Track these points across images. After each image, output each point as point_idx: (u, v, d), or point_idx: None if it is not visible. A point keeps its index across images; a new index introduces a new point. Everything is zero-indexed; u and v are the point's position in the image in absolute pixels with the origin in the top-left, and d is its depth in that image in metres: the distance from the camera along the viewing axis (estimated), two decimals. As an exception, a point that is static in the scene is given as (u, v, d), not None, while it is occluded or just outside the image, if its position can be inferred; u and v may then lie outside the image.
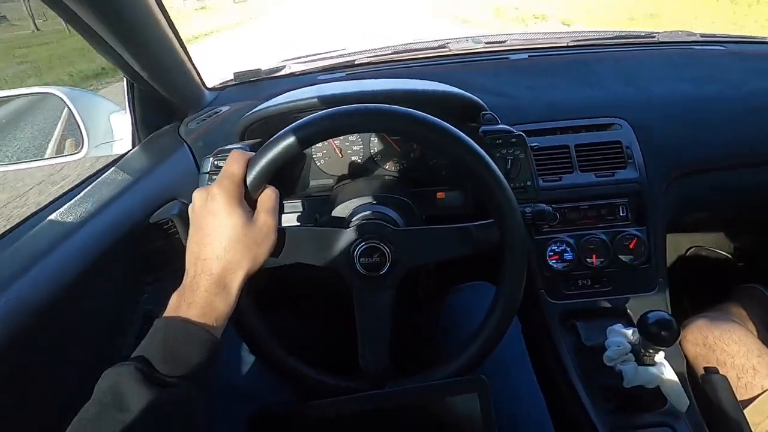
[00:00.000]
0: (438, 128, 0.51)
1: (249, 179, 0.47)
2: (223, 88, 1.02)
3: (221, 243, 0.44)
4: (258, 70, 1.04)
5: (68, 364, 0.55)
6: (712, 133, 0.88)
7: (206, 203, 0.45)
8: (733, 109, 0.89)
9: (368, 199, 0.67)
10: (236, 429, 0.53)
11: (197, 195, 0.46)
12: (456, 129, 0.51)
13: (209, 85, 1.00)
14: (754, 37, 1.14)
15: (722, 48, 1.03)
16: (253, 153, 0.49)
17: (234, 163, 0.47)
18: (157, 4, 0.66)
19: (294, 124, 0.50)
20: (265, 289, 0.49)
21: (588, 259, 0.80)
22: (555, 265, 0.81)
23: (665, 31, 1.11)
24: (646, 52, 1.06)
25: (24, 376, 0.49)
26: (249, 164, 0.48)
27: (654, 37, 1.10)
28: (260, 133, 0.75)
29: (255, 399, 0.60)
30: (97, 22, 0.59)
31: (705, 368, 0.71)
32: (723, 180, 0.90)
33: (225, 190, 0.45)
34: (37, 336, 0.49)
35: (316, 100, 0.70)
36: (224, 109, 0.91)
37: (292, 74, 1.06)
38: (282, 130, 0.49)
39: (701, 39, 1.08)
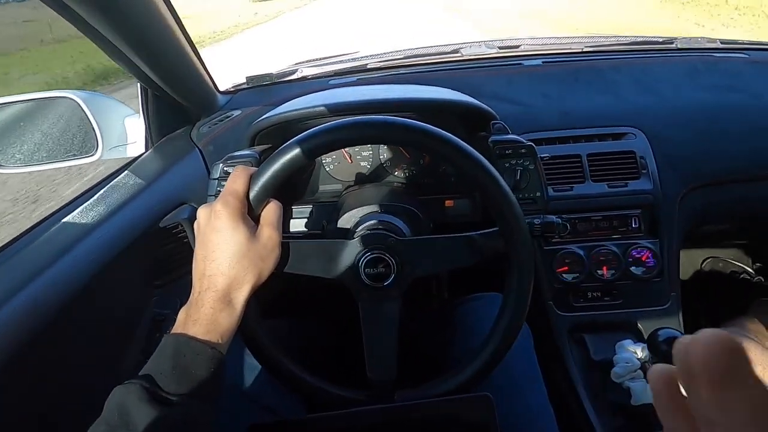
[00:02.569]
0: (435, 136, 0.50)
1: (252, 195, 0.48)
2: (235, 91, 1.03)
3: (226, 259, 0.44)
4: (270, 74, 1.05)
5: (78, 366, 0.56)
6: (732, 143, 0.85)
7: (210, 220, 0.45)
8: (754, 120, 0.87)
9: (374, 208, 0.66)
10: None
11: (201, 212, 0.47)
12: (457, 138, 0.51)
13: (221, 88, 1.01)
14: (777, 45, 1.11)
15: (744, 56, 1.00)
16: (256, 168, 0.49)
17: (237, 179, 0.47)
18: (168, 9, 0.67)
19: (296, 138, 0.49)
20: (268, 295, 0.49)
21: (598, 271, 0.79)
22: (564, 277, 0.79)
23: (684, 38, 1.08)
24: (664, 59, 1.03)
25: (37, 374, 0.50)
26: (251, 179, 0.48)
27: (672, 43, 1.07)
28: (271, 138, 0.75)
29: (261, 408, 0.60)
30: (107, 28, 0.60)
31: None
32: (743, 191, 0.87)
33: (228, 206, 0.45)
34: (51, 336, 0.50)
35: (323, 108, 0.70)
36: (236, 113, 0.92)
37: (303, 78, 1.06)
38: (284, 144, 0.49)
39: (722, 46, 1.05)
